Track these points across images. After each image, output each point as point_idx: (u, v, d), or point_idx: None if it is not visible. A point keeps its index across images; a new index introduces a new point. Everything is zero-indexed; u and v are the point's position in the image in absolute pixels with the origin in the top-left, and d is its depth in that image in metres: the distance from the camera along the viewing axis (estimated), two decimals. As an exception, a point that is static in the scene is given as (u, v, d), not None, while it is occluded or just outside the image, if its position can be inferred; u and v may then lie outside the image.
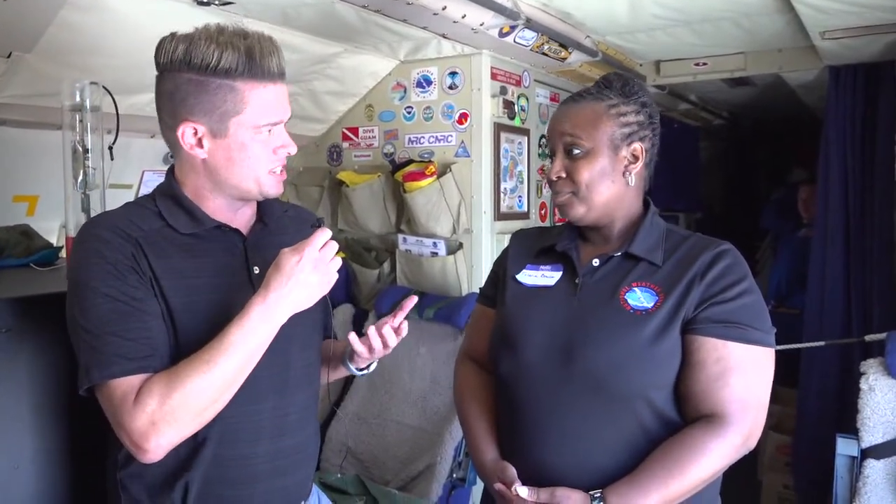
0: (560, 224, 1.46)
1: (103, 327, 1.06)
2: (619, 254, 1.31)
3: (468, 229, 2.67)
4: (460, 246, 2.68)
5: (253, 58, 1.12)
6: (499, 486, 1.22)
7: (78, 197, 1.53)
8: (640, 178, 1.34)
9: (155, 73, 2.12)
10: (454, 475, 2.32)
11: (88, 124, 1.51)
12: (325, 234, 1.11)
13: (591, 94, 1.33)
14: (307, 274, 1.09)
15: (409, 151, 2.78)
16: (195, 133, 1.14)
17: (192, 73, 1.11)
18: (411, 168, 2.64)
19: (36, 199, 2.27)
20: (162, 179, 2.60)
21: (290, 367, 1.24)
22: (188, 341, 1.11)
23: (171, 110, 1.15)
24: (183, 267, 1.15)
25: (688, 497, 1.18)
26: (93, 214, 1.54)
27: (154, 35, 1.93)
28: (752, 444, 1.21)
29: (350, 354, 1.38)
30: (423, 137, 2.75)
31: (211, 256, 1.18)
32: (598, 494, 1.16)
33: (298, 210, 1.41)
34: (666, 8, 2.32)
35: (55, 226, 2.33)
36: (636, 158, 1.32)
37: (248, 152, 1.15)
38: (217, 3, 1.91)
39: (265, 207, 1.29)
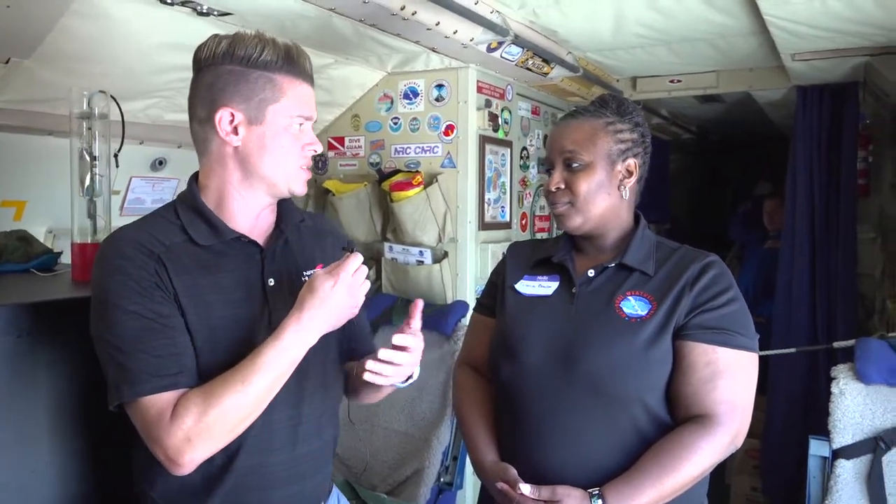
0: (555, 237, 1.53)
1: (132, 345, 1.08)
2: (614, 264, 1.38)
3: (453, 238, 2.73)
4: (445, 255, 2.73)
5: (291, 55, 1.20)
6: (501, 485, 1.27)
7: (84, 203, 1.54)
8: (633, 193, 1.42)
9: (154, 79, 2.16)
10: (441, 479, 2.36)
11: (97, 132, 1.53)
12: (357, 259, 1.17)
13: (588, 112, 1.40)
14: (341, 297, 1.14)
15: (396, 161, 2.83)
16: (232, 120, 1.18)
17: (233, 64, 1.17)
18: (398, 178, 2.68)
19: (24, 205, 2.26)
20: (149, 186, 2.61)
21: (307, 378, 1.26)
22: (207, 357, 1.14)
23: (208, 100, 1.18)
24: (203, 283, 1.16)
25: (680, 494, 1.25)
26: (98, 221, 1.55)
27: (153, 43, 1.99)
28: (739, 442, 1.29)
29: None
30: (410, 148, 2.80)
31: (229, 270, 1.20)
32: (597, 492, 1.22)
33: (315, 219, 1.42)
34: (649, 28, 2.42)
35: (41, 231, 2.32)
36: (630, 173, 1.39)
37: (280, 141, 1.20)
38: (216, 13, 1.94)
39: (284, 214, 1.31)
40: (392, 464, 2.43)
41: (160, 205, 2.59)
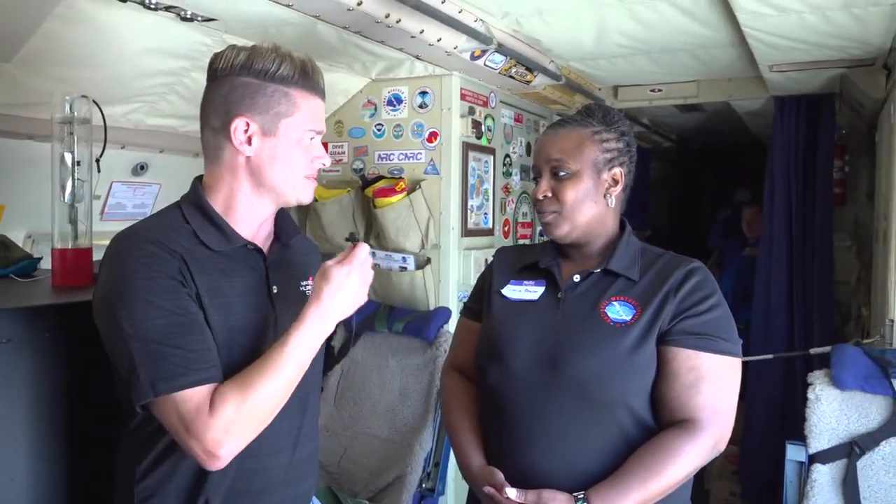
0: (542, 242, 1.54)
1: (165, 340, 1.08)
2: (599, 270, 1.39)
3: (436, 245, 2.73)
4: (428, 261, 2.74)
5: (306, 71, 1.23)
6: (488, 489, 1.28)
7: (65, 208, 1.53)
8: (619, 201, 1.44)
9: (136, 84, 2.15)
10: (423, 485, 2.37)
11: (77, 137, 1.52)
12: (365, 247, 1.22)
13: (575, 121, 1.42)
14: (355, 284, 1.19)
15: (379, 168, 2.83)
16: (246, 129, 1.20)
17: (250, 77, 1.20)
18: (382, 184, 2.69)
19: (2, 209, 2.24)
20: (130, 191, 2.59)
21: (313, 380, 1.30)
22: (224, 359, 1.15)
23: (223, 110, 1.21)
24: (221, 286, 1.19)
25: (664, 497, 1.26)
26: (79, 226, 1.54)
27: (136, 48, 1.98)
28: (722, 447, 1.31)
29: None
30: (393, 154, 2.81)
31: (240, 275, 1.23)
32: (582, 496, 1.24)
33: (304, 238, 1.47)
34: (630, 38, 2.46)
35: (20, 235, 2.30)
36: (616, 182, 1.41)
37: (291, 154, 1.23)
38: (200, 18, 1.94)
39: (282, 226, 1.34)
40: (374, 470, 2.43)
41: (141, 210, 2.60)
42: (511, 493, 1.24)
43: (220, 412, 1.08)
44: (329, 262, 1.20)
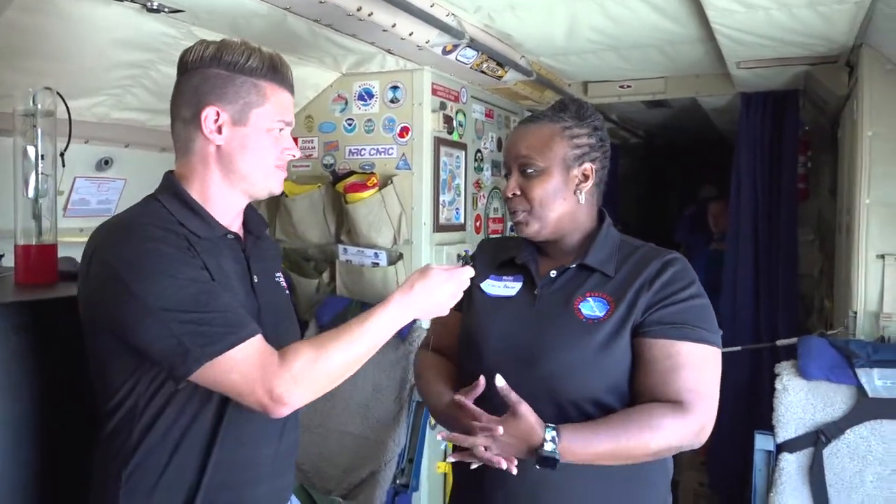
0: (518, 237, 1.54)
1: (200, 307, 1.10)
2: (574, 266, 1.39)
3: (408, 240, 2.72)
4: (400, 256, 2.73)
5: (275, 65, 1.25)
6: (458, 397, 1.30)
7: (28, 204, 1.49)
8: (591, 196, 1.44)
9: (101, 77, 2.10)
10: (397, 481, 2.36)
11: (40, 130, 1.48)
12: (471, 272, 1.30)
13: (546, 116, 1.42)
14: (445, 294, 1.26)
15: (350, 163, 2.81)
16: (217, 119, 1.21)
17: (220, 69, 1.21)
18: (353, 179, 2.67)
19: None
20: (94, 187, 2.53)
21: None
22: None
23: (194, 101, 1.21)
24: (223, 267, 1.20)
25: (630, 461, 1.25)
26: (43, 222, 1.50)
27: (101, 39, 1.93)
28: (703, 438, 1.28)
29: None
30: (364, 149, 2.79)
31: (228, 263, 1.23)
32: (553, 427, 1.22)
33: (269, 236, 1.47)
34: (601, 34, 2.48)
35: (-20, 233, 2.23)
36: (586, 178, 1.41)
37: (261, 143, 1.24)
38: (167, 10, 1.89)
39: (252, 219, 1.35)
40: (347, 467, 2.41)
41: (106, 206, 2.53)
42: (500, 381, 1.24)
43: (291, 364, 1.10)
44: (434, 266, 1.26)
